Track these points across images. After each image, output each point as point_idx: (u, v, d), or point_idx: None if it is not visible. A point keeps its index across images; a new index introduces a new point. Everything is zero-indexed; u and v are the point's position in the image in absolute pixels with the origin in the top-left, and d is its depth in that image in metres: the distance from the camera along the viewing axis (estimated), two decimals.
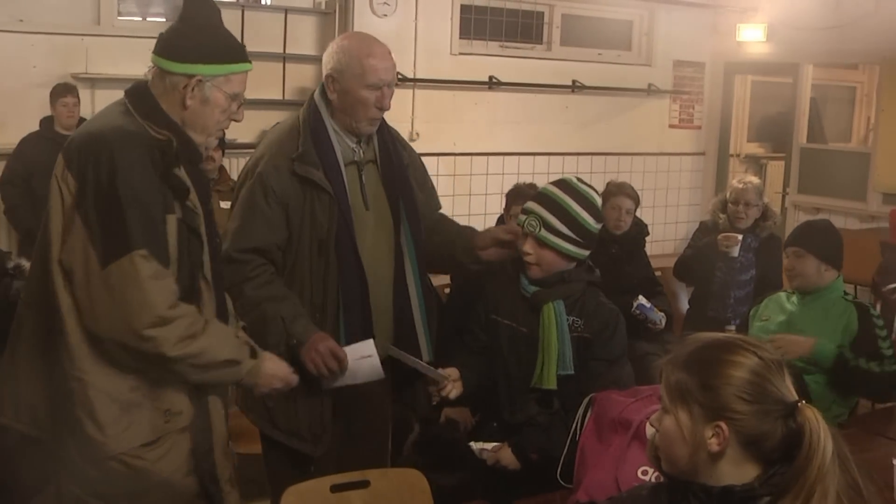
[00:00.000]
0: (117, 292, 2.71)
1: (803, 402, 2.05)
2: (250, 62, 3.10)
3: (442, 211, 4.11)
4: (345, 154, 3.65)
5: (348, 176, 3.63)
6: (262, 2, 8.97)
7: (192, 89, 2.92)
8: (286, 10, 8.90)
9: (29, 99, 7.72)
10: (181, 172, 2.88)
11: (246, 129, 8.44)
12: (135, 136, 2.83)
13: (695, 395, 2.09)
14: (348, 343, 3.56)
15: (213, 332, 2.89)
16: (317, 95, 3.70)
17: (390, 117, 3.82)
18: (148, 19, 8.57)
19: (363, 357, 3.56)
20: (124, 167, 2.74)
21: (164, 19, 8.52)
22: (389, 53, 3.65)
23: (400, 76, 8.69)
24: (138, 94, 2.95)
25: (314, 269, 3.60)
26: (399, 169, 3.78)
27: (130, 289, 2.71)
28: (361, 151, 3.70)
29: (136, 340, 2.73)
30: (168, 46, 2.94)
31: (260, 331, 3.39)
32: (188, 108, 2.93)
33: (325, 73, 3.64)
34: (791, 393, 2.07)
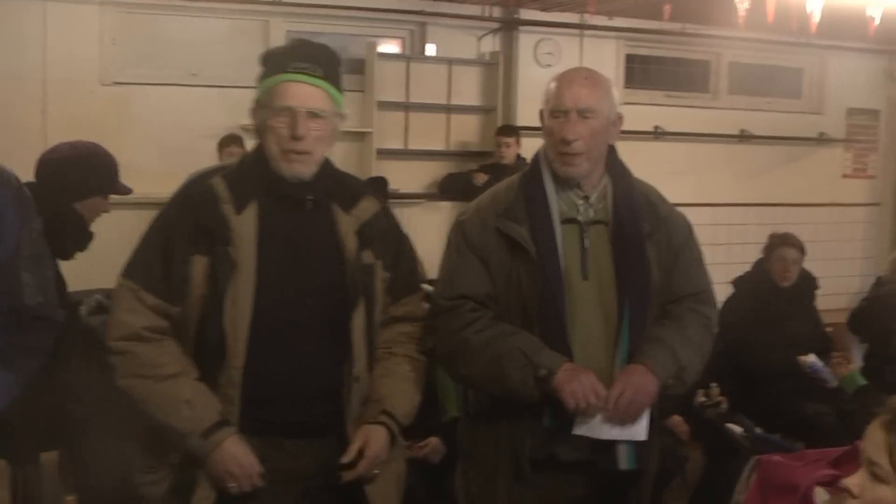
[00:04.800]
0: None
1: None
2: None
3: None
4: (565, 211, 3.16)
5: (565, 236, 3.13)
6: (427, 53, 9.06)
7: None
8: (450, 62, 8.98)
9: (200, 150, 7.95)
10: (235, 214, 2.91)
11: (410, 179, 8.58)
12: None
13: None
14: None
15: (172, 389, 2.85)
16: (541, 149, 3.28)
17: None
18: None
19: None
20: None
21: None
22: (591, 81, 3.16)
23: None
24: None
25: None
26: (633, 237, 3.18)
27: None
28: (589, 209, 3.19)
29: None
30: None
31: (497, 373, 3.06)
32: None
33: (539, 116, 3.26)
34: None
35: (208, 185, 2.93)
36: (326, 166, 2.99)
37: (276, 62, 2.91)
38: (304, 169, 2.90)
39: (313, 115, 2.87)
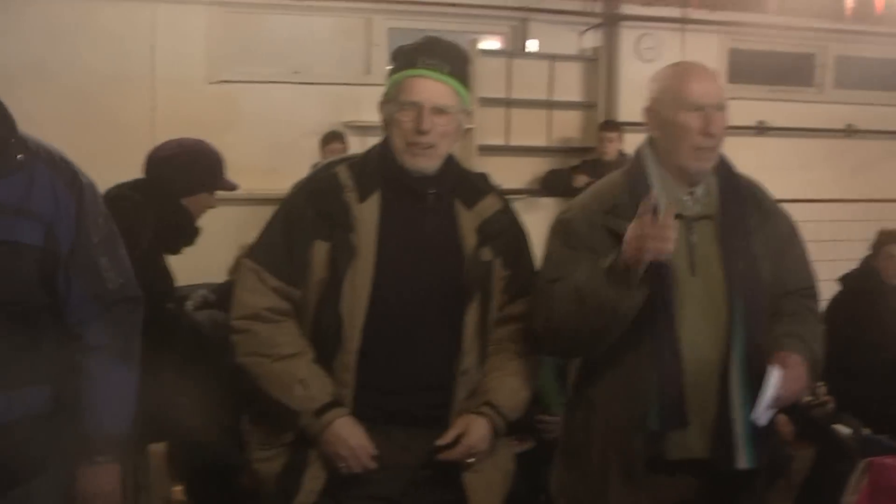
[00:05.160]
0: None
1: None
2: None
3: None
4: (671, 206, 3.01)
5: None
6: (528, 49, 9.05)
7: None
8: (552, 58, 8.96)
9: (303, 147, 8.05)
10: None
11: (511, 175, 8.58)
12: None
13: None
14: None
15: (288, 368, 2.92)
16: (643, 145, 3.23)
17: None
18: None
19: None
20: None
21: None
22: (712, 77, 3.14)
23: None
24: None
25: (629, 340, 3.06)
26: (741, 231, 3.13)
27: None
28: (695, 205, 3.13)
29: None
30: None
31: (582, 297, 2.95)
32: None
33: (644, 111, 3.20)
34: None
35: (333, 173, 3.01)
36: (450, 162, 3.03)
37: (406, 58, 2.96)
38: (428, 163, 2.95)
39: (439, 110, 2.91)
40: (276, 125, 8.13)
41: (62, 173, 2.79)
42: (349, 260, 2.89)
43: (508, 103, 8.86)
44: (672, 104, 3.07)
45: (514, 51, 9.02)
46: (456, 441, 2.94)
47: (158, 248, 3.88)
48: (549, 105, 8.97)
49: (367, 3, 8.48)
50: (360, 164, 3.03)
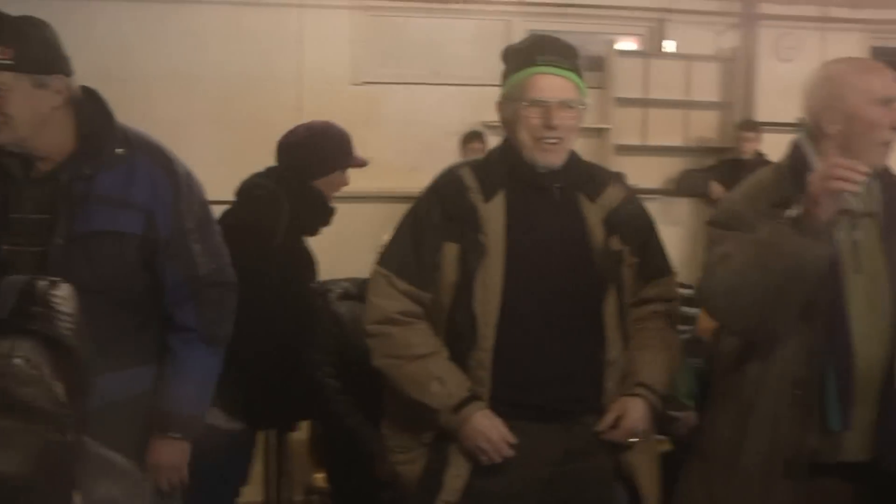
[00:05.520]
0: None
1: None
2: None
3: None
4: None
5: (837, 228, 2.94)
6: (665, 49, 9.07)
7: None
8: (689, 58, 8.95)
9: (444, 147, 8.17)
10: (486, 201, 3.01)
11: (647, 175, 8.57)
12: None
13: None
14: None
15: (424, 367, 2.97)
16: (799, 138, 3.12)
17: None
18: None
19: None
20: None
21: None
22: (892, 73, 3.02)
23: None
24: None
25: (801, 336, 2.97)
26: None
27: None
28: (858, 201, 2.97)
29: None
30: None
31: (763, 254, 2.82)
32: None
33: (812, 108, 3.04)
34: None
35: (457, 175, 3.06)
36: (572, 156, 3.06)
37: (523, 57, 3.00)
38: (557, 158, 2.98)
39: (565, 105, 2.95)
40: (417, 125, 8.30)
41: (160, 163, 2.94)
42: (479, 259, 2.93)
43: (645, 103, 8.88)
44: (858, 97, 2.95)
45: (650, 51, 9.02)
46: (614, 425, 2.95)
47: (296, 232, 3.95)
48: (686, 105, 8.96)
49: (507, 6, 8.58)
50: (483, 166, 3.08)
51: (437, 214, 3.01)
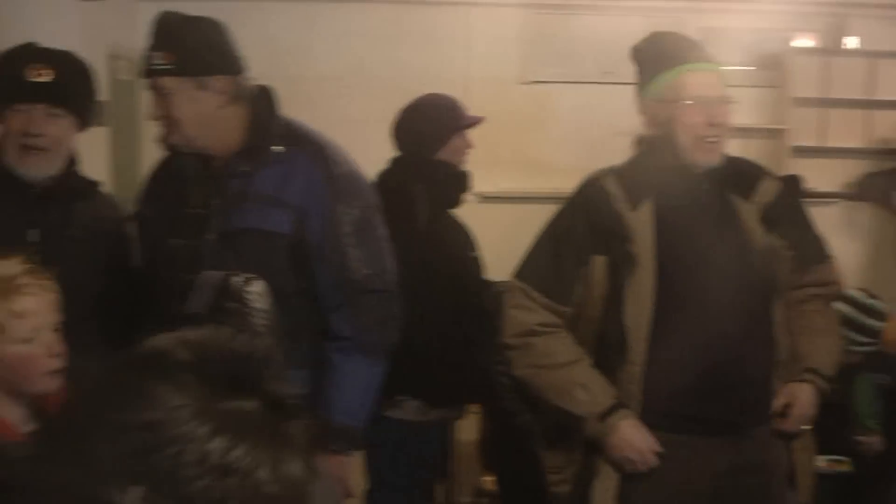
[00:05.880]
0: None
1: None
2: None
3: None
4: None
5: None
6: (845, 46, 8.72)
7: None
8: (873, 55, 8.59)
9: (613, 147, 8.04)
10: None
11: (826, 178, 8.29)
12: None
13: None
14: None
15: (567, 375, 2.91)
16: None
17: None
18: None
19: None
20: None
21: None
22: None
23: None
24: None
25: None
26: None
27: None
28: None
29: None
30: None
31: None
32: None
33: None
34: None
35: (600, 185, 3.00)
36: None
37: (671, 55, 2.96)
38: (716, 157, 2.94)
39: (723, 101, 2.90)
40: (587, 125, 8.17)
41: (319, 163, 2.94)
42: (629, 271, 2.89)
43: (824, 103, 8.53)
44: None
45: (830, 48, 8.70)
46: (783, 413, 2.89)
47: (438, 208, 3.95)
48: (869, 105, 8.57)
49: (678, 3, 8.41)
50: (627, 172, 3.02)
51: (581, 227, 2.98)
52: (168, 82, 2.85)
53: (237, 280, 2.33)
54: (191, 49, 2.84)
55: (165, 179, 3.09)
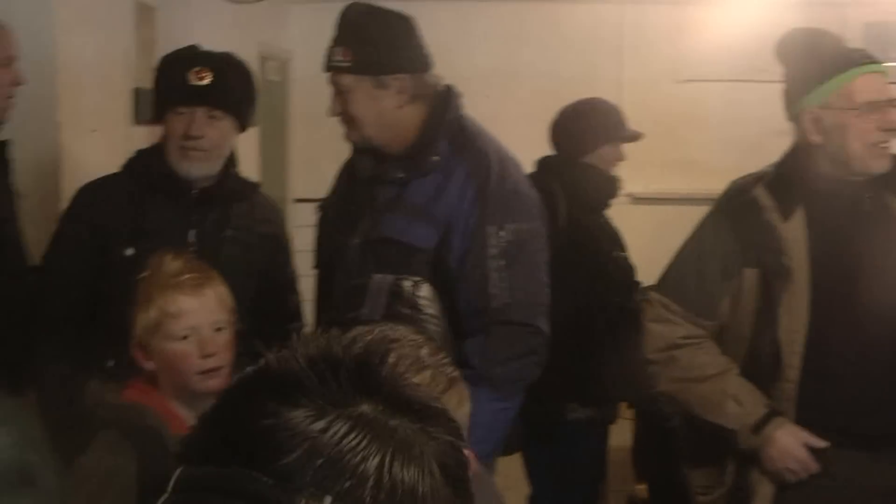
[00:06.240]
0: None
1: None
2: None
3: None
4: None
5: None
6: None
7: None
8: None
9: (769, 147, 7.84)
10: None
11: None
12: None
13: None
14: None
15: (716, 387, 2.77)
16: None
17: None
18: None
19: None
20: None
21: None
22: None
23: None
24: None
25: None
26: None
27: None
28: None
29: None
30: None
31: None
32: None
33: None
34: None
35: (749, 195, 2.87)
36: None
37: (832, 59, 2.80)
38: (887, 162, 2.78)
39: (894, 104, 2.75)
40: (742, 124, 7.98)
41: (477, 177, 2.80)
42: (783, 284, 2.75)
43: None
44: None
45: None
46: None
47: (580, 210, 3.90)
48: None
49: None
50: (777, 180, 2.87)
51: (729, 240, 2.85)
52: (346, 80, 2.81)
53: (407, 284, 2.29)
54: (371, 46, 2.79)
55: (346, 178, 3.06)
